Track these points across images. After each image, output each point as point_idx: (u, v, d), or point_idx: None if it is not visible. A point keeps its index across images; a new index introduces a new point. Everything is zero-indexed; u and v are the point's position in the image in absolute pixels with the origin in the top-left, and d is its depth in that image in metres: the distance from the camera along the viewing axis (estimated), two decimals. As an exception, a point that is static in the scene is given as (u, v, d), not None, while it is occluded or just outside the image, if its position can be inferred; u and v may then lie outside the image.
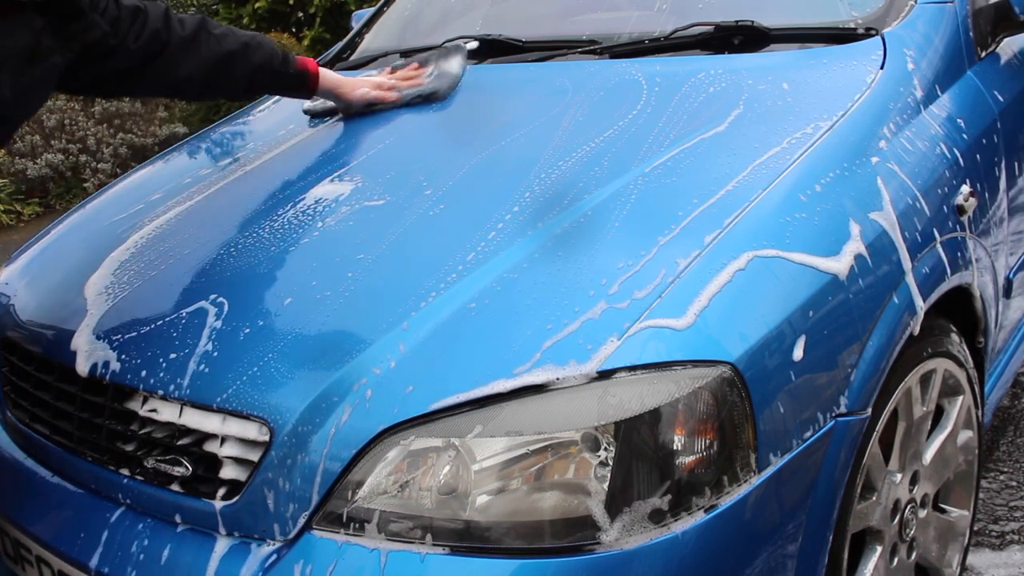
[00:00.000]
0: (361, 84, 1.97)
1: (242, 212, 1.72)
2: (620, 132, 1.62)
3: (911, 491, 1.60)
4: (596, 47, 2.01)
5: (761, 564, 1.23)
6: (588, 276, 1.26)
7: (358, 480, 1.19)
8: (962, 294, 1.71)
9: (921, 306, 1.47)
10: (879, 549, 1.52)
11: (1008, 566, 2.01)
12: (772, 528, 1.23)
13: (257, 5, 8.78)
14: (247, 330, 1.36)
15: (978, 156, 1.75)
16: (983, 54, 1.92)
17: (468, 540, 1.14)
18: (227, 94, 1.92)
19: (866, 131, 1.54)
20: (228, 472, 1.28)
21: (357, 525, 1.18)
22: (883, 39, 1.74)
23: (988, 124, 1.82)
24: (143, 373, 1.38)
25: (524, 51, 2.12)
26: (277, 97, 2.44)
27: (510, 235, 1.39)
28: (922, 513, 1.66)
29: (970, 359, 1.72)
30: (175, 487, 1.33)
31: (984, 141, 1.79)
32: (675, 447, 1.16)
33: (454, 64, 1.99)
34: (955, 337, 1.66)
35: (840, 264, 1.33)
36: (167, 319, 1.44)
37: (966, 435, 1.76)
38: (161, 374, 1.36)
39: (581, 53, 2.03)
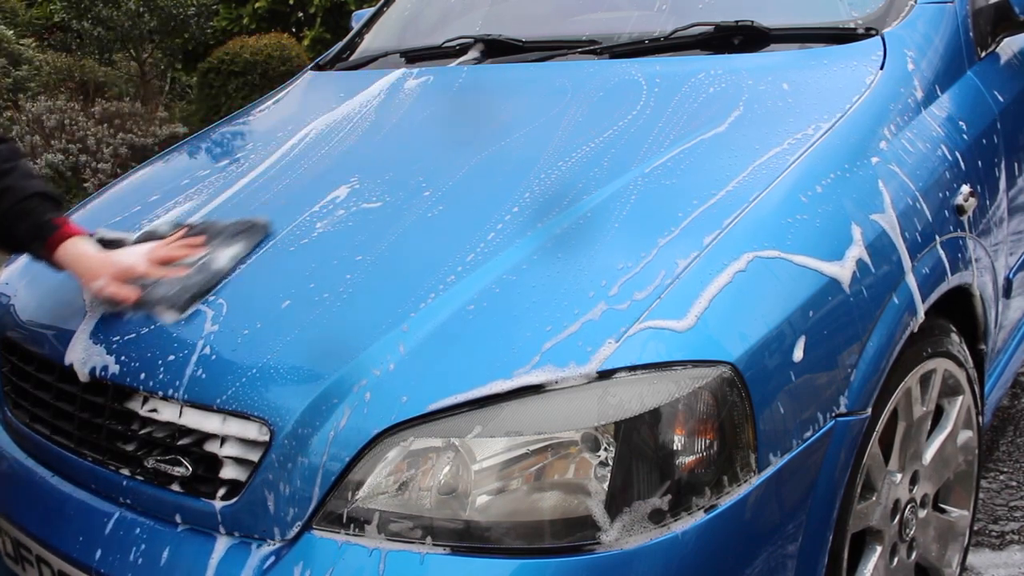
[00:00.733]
0: (104, 272, 1.50)
1: (241, 213, 1.72)
2: (620, 132, 1.62)
3: (911, 491, 1.60)
4: (596, 47, 2.01)
5: (761, 564, 1.23)
6: (588, 277, 1.26)
7: (358, 480, 1.19)
8: (962, 294, 1.71)
9: (921, 306, 1.47)
10: (879, 549, 1.52)
11: (1008, 566, 2.01)
12: (772, 528, 1.24)
13: (257, 5, 8.79)
14: (247, 331, 1.36)
15: (978, 156, 1.75)
16: (983, 54, 1.92)
17: (468, 540, 1.14)
18: None
19: (866, 132, 1.54)
20: (228, 472, 1.28)
21: (357, 525, 1.18)
22: (883, 39, 1.74)
23: (988, 124, 1.82)
24: (143, 373, 1.38)
25: (524, 51, 2.12)
26: (277, 97, 2.44)
27: (510, 236, 1.39)
28: (922, 513, 1.66)
29: (970, 359, 1.72)
30: (175, 487, 1.33)
31: (984, 141, 1.79)
32: (675, 447, 1.16)
33: (229, 252, 1.54)
34: (955, 337, 1.66)
35: (843, 270, 1.33)
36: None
37: (966, 435, 1.76)
38: (161, 374, 1.36)
39: (581, 53, 2.02)
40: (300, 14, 8.70)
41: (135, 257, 1.53)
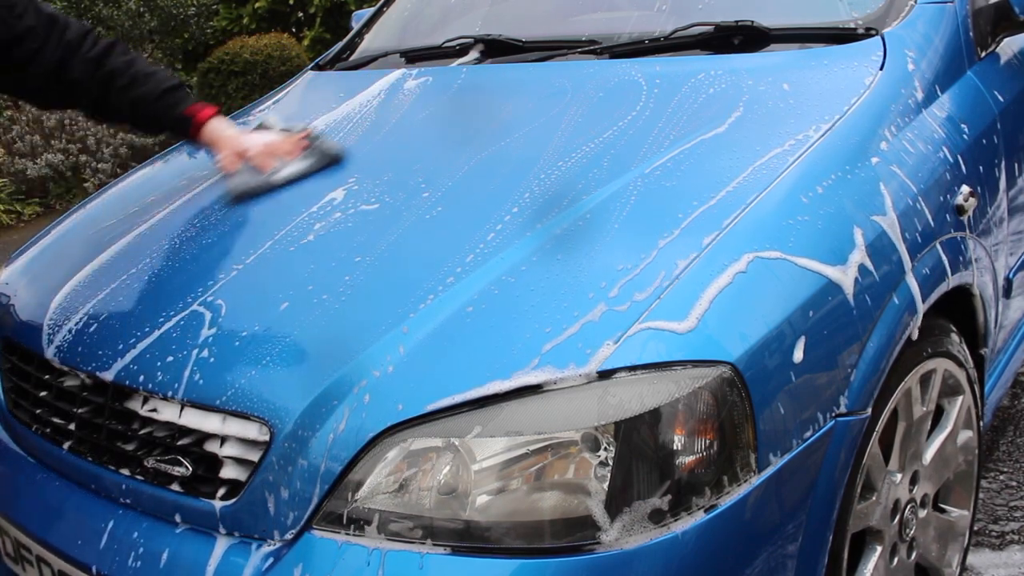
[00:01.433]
0: (228, 148, 1.82)
1: (241, 215, 1.72)
2: (620, 133, 1.62)
3: (911, 491, 1.60)
4: (596, 47, 2.01)
5: (761, 564, 1.23)
6: (587, 278, 1.26)
7: (358, 480, 1.19)
8: (962, 294, 1.71)
9: (921, 306, 1.47)
10: (879, 549, 1.52)
11: (1008, 566, 2.01)
12: (772, 528, 1.24)
13: (257, 5, 8.79)
14: (247, 331, 1.36)
15: (978, 156, 1.75)
16: (983, 54, 1.92)
17: (468, 540, 1.14)
18: (115, 116, 1.88)
19: (866, 132, 1.54)
20: (228, 472, 1.28)
21: (357, 525, 1.18)
22: (883, 39, 1.74)
23: (988, 124, 1.82)
24: (143, 373, 1.38)
25: (524, 51, 2.12)
26: (277, 97, 2.44)
27: (509, 236, 1.39)
28: (922, 513, 1.66)
29: (970, 359, 1.72)
30: (175, 487, 1.33)
31: (984, 141, 1.79)
32: (675, 447, 1.16)
33: (335, 144, 1.86)
34: (955, 337, 1.66)
35: (846, 276, 1.33)
36: (167, 320, 1.44)
37: (966, 435, 1.77)
38: (161, 374, 1.36)
39: (581, 53, 2.02)
40: (300, 14, 8.70)
41: (253, 142, 1.83)
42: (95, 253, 1.76)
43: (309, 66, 2.67)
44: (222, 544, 1.27)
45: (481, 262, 1.35)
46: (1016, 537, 2.11)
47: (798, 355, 1.25)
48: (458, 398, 1.16)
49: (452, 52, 2.23)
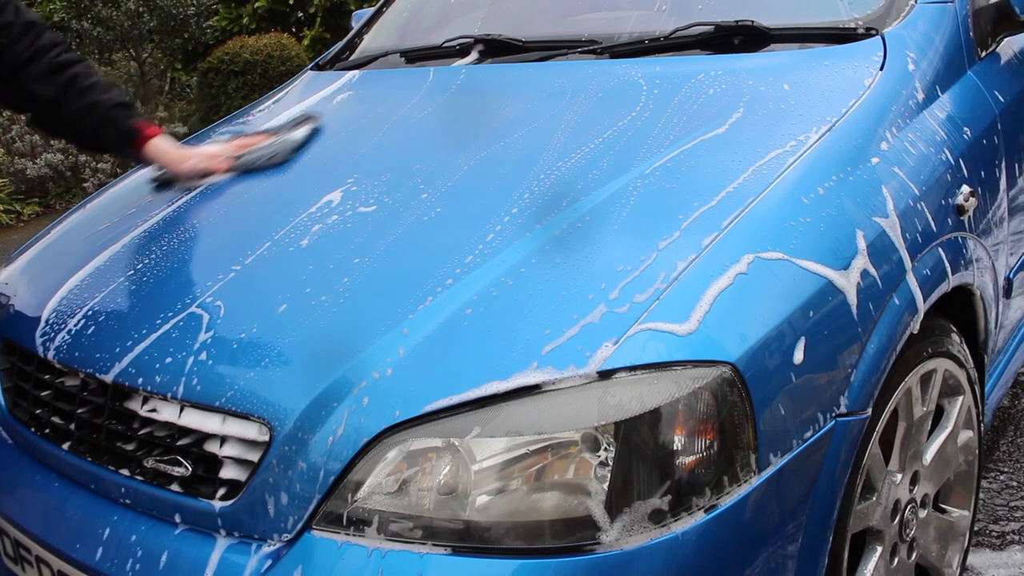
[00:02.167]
0: (192, 156, 1.90)
1: (240, 215, 1.72)
2: (619, 133, 1.62)
3: (911, 491, 1.60)
4: (596, 47, 2.01)
5: (761, 564, 1.23)
6: (587, 279, 1.26)
7: (358, 480, 1.19)
8: (962, 294, 1.71)
9: (922, 306, 1.47)
10: (879, 549, 1.52)
11: (1008, 566, 2.01)
12: (772, 528, 1.23)
13: (257, 5, 8.79)
14: (247, 332, 1.36)
15: (978, 156, 1.75)
16: (983, 54, 1.92)
17: (468, 540, 1.14)
18: (62, 123, 1.89)
19: (867, 132, 1.54)
20: (228, 472, 1.28)
21: (357, 525, 1.18)
22: (883, 39, 1.74)
23: (988, 124, 1.82)
24: (143, 373, 1.38)
25: (524, 51, 2.12)
26: (277, 97, 2.44)
27: (509, 237, 1.39)
28: (922, 513, 1.66)
29: (970, 359, 1.72)
30: (175, 487, 1.33)
31: (984, 141, 1.79)
32: (675, 447, 1.16)
33: (298, 133, 1.92)
34: (955, 337, 1.66)
35: (848, 280, 1.33)
36: (167, 320, 1.44)
37: (966, 435, 1.76)
38: (161, 375, 1.36)
39: (581, 53, 2.02)
40: (300, 14, 8.71)
41: (216, 146, 1.89)
42: (95, 253, 1.75)
43: (309, 66, 2.67)
44: (222, 544, 1.27)
45: (480, 263, 1.34)
46: (1016, 537, 2.11)
47: (798, 355, 1.24)
48: (456, 399, 1.16)
49: (452, 52, 2.23)
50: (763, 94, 1.66)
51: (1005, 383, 2.14)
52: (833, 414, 1.29)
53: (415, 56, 2.33)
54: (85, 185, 6.56)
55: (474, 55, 2.17)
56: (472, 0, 2.59)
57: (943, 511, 1.79)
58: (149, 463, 1.36)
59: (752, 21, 1.86)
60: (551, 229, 1.39)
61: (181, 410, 1.34)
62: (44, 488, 1.51)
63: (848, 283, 1.33)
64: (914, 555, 1.65)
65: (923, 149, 1.61)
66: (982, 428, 1.84)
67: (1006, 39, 1.99)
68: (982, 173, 1.76)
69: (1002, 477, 2.36)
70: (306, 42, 8.38)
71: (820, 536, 1.30)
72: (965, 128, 1.74)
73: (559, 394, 1.14)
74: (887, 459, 1.50)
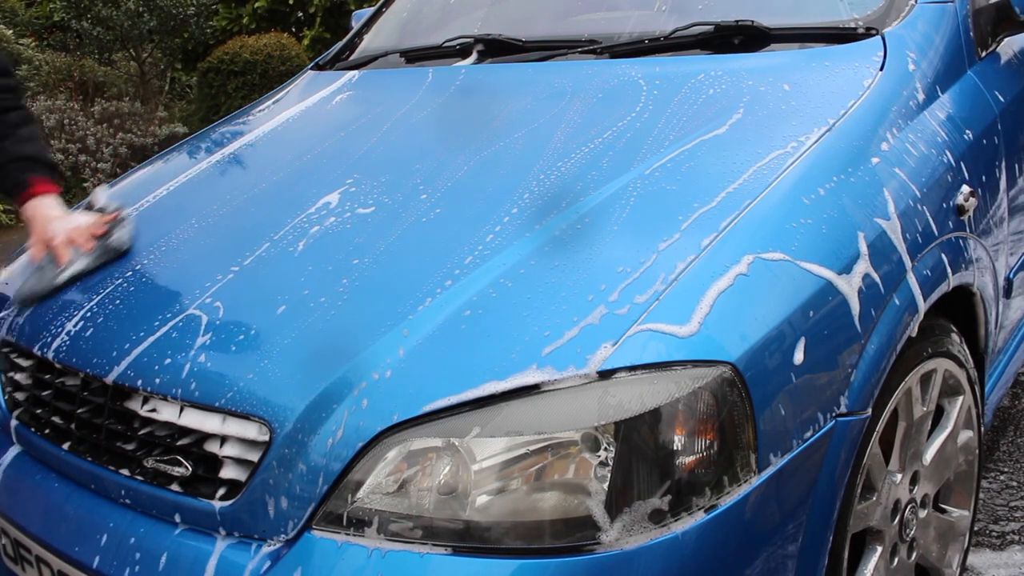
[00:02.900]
0: (56, 234, 1.74)
1: (239, 216, 1.72)
2: (619, 133, 1.62)
3: (911, 491, 1.60)
4: (596, 47, 2.01)
5: (761, 564, 1.23)
6: (587, 281, 1.26)
7: (358, 480, 1.19)
8: (963, 294, 1.71)
9: (922, 306, 1.47)
10: (879, 549, 1.52)
11: (1008, 566, 2.01)
12: (772, 528, 1.23)
13: (257, 5, 8.80)
14: (248, 332, 1.36)
15: (978, 156, 1.75)
16: (983, 54, 1.92)
17: (468, 540, 1.14)
18: None
19: (867, 133, 1.54)
20: (228, 472, 1.28)
21: (357, 525, 1.18)
22: (883, 39, 1.74)
23: (988, 124, 1.82)
24: (143, 374, 1.38)
25: (524, 51, 2.12)
26: (276, 97, 2.44)
27: (508, 238, 1.39)
28: (922, 513, 1.66)
29: (970, 359, 1.72)
30: (175, 487, 1.33)
31: (984, 141, 1.79)
32: (675, 447, 1.16)
33: (124, 238, 1.76)
34: (955, 337, 1.66)
35: (848, 281, 1.33)
36: (167, 320, 1.44)
37: (966, 435, 1.76)
38: (161, 375, 1.36)
39: (581, 53, 2.02)
40: (300, 14, 8.71)
41: (60, 229, 1.75)
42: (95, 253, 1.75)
43: (309, 66, 2.67)
44: (222, 544, 1.27)
45: (480, 264, 1.34)
46: (1016, 537, 2.11)
47: (798, 355, 1.24)
48: (455, 399, 1.16)
49: (452, 52, 2.23)
50: (763, 94, 1.66)
51: (1005, 383, 2.14)
52: (833, 414, 1.29)
53: (415, 56, 2.34)
54: (85, 185, 6.56)
55: (474, 55, 2.17)
56: (472, 0, 2.59)
57: (943, 511, 1.79)
58: (149, 463, 1.36)
59: (752, 21, 1.86)
60: (551, 230, 1.39)
61: (181, 410, 1.34)
62: (44, 488, 1.51)
63: (848, 284, 1.33)
64: (914, 555, 1.65)
65: (923, 149, 1.60)
66: (982, 428, 1.84)
67: (1006, 39, 1.99)
68: (982, 173, 1.76)
69: (1002, 477, 2.36)
70: (306, 42, 8.38)
71: (820, 536, 1.30)
72: (965, 128, 1.74)
73: (559, 394, 1.14)
74: (887, 459, 1.50)
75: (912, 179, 1.54)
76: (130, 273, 1.63)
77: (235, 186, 1.86)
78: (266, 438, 1.24)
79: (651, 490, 1.14)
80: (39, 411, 1.57)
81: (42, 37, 9.66)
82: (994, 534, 2.13)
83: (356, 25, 2.78)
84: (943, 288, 1.56)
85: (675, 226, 1.33)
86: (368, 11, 2.82)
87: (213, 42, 8.91)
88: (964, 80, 1.83)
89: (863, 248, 1.38)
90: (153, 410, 1.37)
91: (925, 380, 1.57)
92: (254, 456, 1.25)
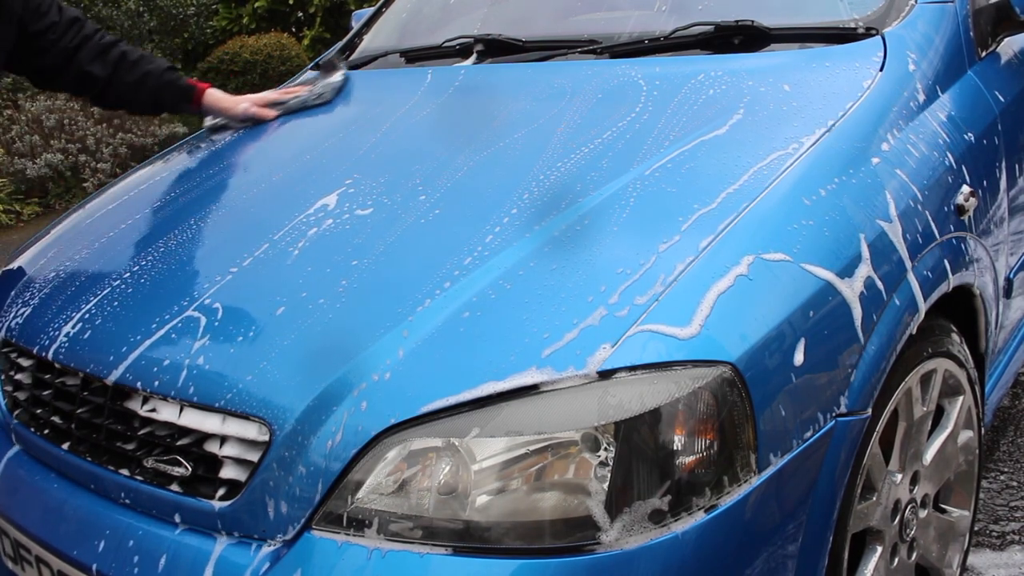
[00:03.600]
0: (242, 100, 2.20)
1: (238, 216, 1.72)
2: (619, 134, 1.62)
3: (911, 491, 1.60)
4: (596, 47, 2.01)
5: (761, 564, 1.23)
6: (587, 282, 1.26)
7: (358, 480, 1.19)
8: (963, 294, 1.71)
9: (922, 306, 1.47)
10: (879, 549, 1.52)
11: (1008, 566, 2.01)
12: (772, 528, 1.23)
13: (257, 5, 8.80)
14: (247, 333, 1.36)
15: (978, 156, 1.75)
16: (983, 54, 1.92)
17: (468, 540, 1.14)
18: (126, 99, 2.19)
19: (868, 133, 1.54)
20: (228, 472, 1.28)
21: (357, 525, 1.18)
22: (883, 39, 1.74)
23: (988, 124, 1.82)
24: (143, 373, 1.38)
25: (524, 51, 2.12)
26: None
27: (508, 238, 1.39)
28: (922, 513, 1.66)
29: (970, 359, 1.72)
30: (175, 487, 1.33)
31: (984, 141, 1.79)
32: (675, 447, 1.16)
33: (336, 75, 2.21)
34: (955, 337, 1.66)
35: (848, 281, 1.33)
36: (166, 320, 1.44)
37: (966, 435, 1.76)
38: (161, 375, 1.36)
39: (581, 53, 2.02)
40: (300, 14, 8.71)
41: (264, 93, 2.21)
42: (95, 254, 1.75)
43: (309, 66, 2.67)
44: (221, 544, 1.27)
45: (479, 264, 1.34)
46: (1017, 537, 2.11)
47: (798, 356, 1.24)
48: (454, 399, 1.15)
49: (452, 52, 2.23)
50: (763, 95, 1.66)
51: (1005, 383, 2.14)
52: (833, 414, 1.29)
53: (415, 56, 2.34)
54: (85, 185, 6.56)
55: (474, 55, 2.17)
56: (472, 0, 2.59)
57: (943, 511, 1.79)
58: (149, 463, 1.36)
59: (752, 21, 1.86)
60: (550, 231, 1.39)
61: (181, 410, 1.34)
62: (44, 488, 1.51)
63: (848, 284, 1.33)
64: (914, 555, 1.64)
65: (923, 150, 1.60)
66: (982, 428, 1.84)
67: (1006, 39, 1.99)
68: (982, 173, 1.75)
69: (1002, 477, 2.36)
70: (306, 42, 8.39)
71: (820, 536, 1.30)
72: (965, 128, 1.74)
73: (559, 394, 1.14)
74: (887, 459, 1.50)
75: (912, 179, 1.54)
76: (130, 274, 1.62)
77: (234, 187, 1.86)
78: (266, 438, 1.24)
79: (651, 490, 1.14)
80: (39, 411, 1.57)
81: (42, 37, 9.64)
82: (994, 534, 2.13)
83: (356, 25, 2.78)
84: (943, 288, 1.56)
85: (675, 227, 1.33)
86: (368, 11, 2.82)
87: (213, 42, 8.91)
88: (964, 80, 1.82)
89: (863, 248, 1.38)
90: (153, 410, 1.37)
91: (925, 380, 1.57)
92: (254, 456, 1.25)
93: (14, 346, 1.67)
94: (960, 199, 1.64)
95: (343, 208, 1.61)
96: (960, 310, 1.74)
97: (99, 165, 6.70)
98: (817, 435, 1.27)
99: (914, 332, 1.46)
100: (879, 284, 1.38)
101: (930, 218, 1.54)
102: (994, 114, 1.85)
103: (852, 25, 1.81)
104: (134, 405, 1.39)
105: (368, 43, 2.57)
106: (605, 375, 1.14)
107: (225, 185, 1.87)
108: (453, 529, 1.15)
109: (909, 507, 1.59)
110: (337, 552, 1.17)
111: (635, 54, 1.95)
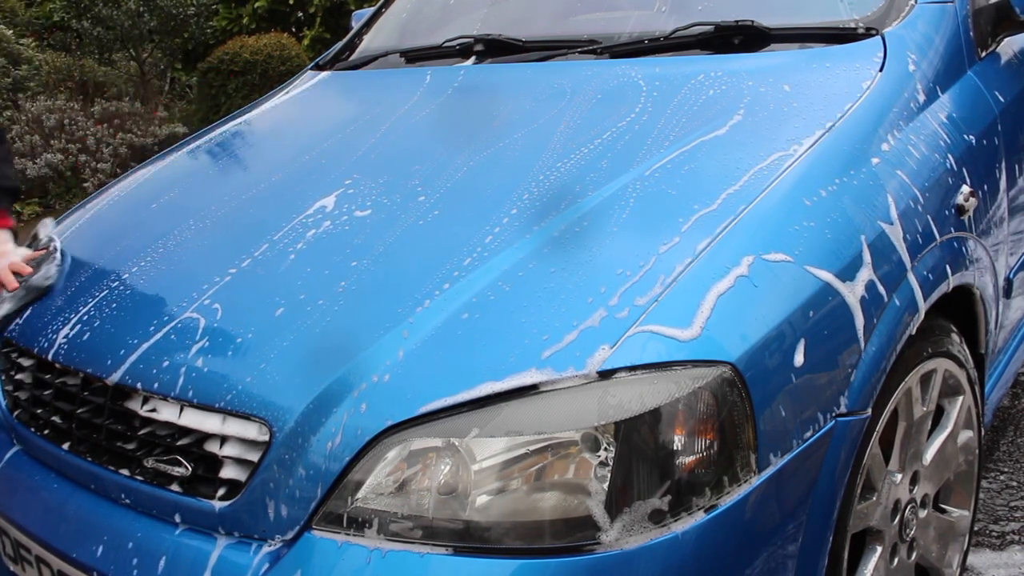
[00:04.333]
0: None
1: (238, 217, 1.72)
2: (619, 134, 1.62)
3: (911, 491, 1.60)
4: (596, 47, 2.01)
5: (761, 564, 1.23)
6: (586, 283, 1.26)
7: (358, 480, 1.19)
8: (963, 294, 1.71)
9: (922, 307, 1.47)
10: (879, 549, 1.52)
11: (1008, 566, 2.01)
12: (772, 528, 1.23)
13: (257, 5, 8.79)
14: (247, 333, 1.36)
15: (978, 156, 1.75)
16: (983, 54, 1.92)
17: (468, 540, 1.14)
18: None
19: (868, 133, 1.54)
20: (228, 472, 1.28)
21: (357, 525, 1.18)
22: (883, 39, 1.74)
23: (988, 124, 1.82)
24: (143, 374, 1.38)
25: (523, 51, 2.12)
26: (277, 98, 2.44)
27: (507, 239, 1.39)
28: (922, 513, 1.66)
29: (970, 359, 1.72)
30: (175, 487, 1.33)
31: (984, 141, 1.79)
32: (675, 447, 1.16)
33: (48, 273, 1.77)
34: (955, 337, 1.66)
35: (848, 282, 1.33)
36: (167, 321, 1.44)
37: (966, 435, 1.76)
38: (161, 375, 1.36)
39: (581, 53, 2.02)
40: (300, 14, 8.71)
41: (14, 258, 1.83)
42: (95, 254, 1.75)
43: (309, 66, 2.67)
44: (221, 544, 1.27)
45: (478, 265, 1.34)
46: (1016, 537, 2.11)
47: (798, 356, 1.24)
48: (453, 399, 1.16)
49: (452, 52, 2.22)
50: (763, 95, 1.66)
51: (1005, 383, 2.14)
52: (833, 414, 1.29)
53: (415, 56, 2.34)
54: (85, 185, 6.56)
55: (474, 55, 2.17)
56: (472, 0, 2.59)
57: (943, 511, 1.79)
58: (149, 463, 1.36)
59: (752, 21, 1.86)
60: (550, 231, 1.39)
61: (181, 410, 1.34)
62: (44, 488, 1.51)
63: (848, 284, 1.33)
64: (914, 555, 1.65)
65: (924, 150, 1.60)
66: (982, 428, 1.84)
67: (1006, 39, 1.99)
68: (982, 173, 1.75)
69: (1002, 477, 2.36)
70: (306, 42, 8.38)
71: (820, 536, 1.30)
72: (965, 128, 1.74)
73: (559, 394, 1.14)
74: (887, 459, 1.50)
75: (912, 180, 1.54)
76: (130, 274, 1.63)
77: (233, 187, 1.86)
78: (266, 438, 1.24)
79: (651, 490, 1.14)
80: (39, 411, 1.57)
81: (42, 37, 9.65)
82: (994, 534, 2.13)
83: (356, 25, 2.78)
84: (943, 288, 1.56)
85: (675, 228, 1.33)
86: (368, 11, 2.82)
87: (213, 42, 8.91)
88: (964, 80, 1.82)
89: (863, 248, 1.38)
90: (153, 410, 1.37)
91: (925, 380, 1.57)
92: (254, 456, 1.25)
93: (15, 346, 1.67)
94: (960, 199, 1.64)
95: (342, 209, 1.61)
96: (960, 310, 1.74)
97: (99, 165, 6.71)
98: (817, 435, 1.27)
99: (914, 332, 1.46)
100: (879, 285, 1.38)
101: (930, 218, 1.54)
102: (994, 114, 1.85)
103: (852, 25, 1.81)
104: (134, 405, 1.39)
105: (368, 43, 2.57)
106: (605, 375, 1.14)
107: (224, 185, 1.87)
108: (453, 529, 1.15)
109: (909, 507, 1.59)
110: (337, 552, 1.17)
111: (635, 54, 1.95)
